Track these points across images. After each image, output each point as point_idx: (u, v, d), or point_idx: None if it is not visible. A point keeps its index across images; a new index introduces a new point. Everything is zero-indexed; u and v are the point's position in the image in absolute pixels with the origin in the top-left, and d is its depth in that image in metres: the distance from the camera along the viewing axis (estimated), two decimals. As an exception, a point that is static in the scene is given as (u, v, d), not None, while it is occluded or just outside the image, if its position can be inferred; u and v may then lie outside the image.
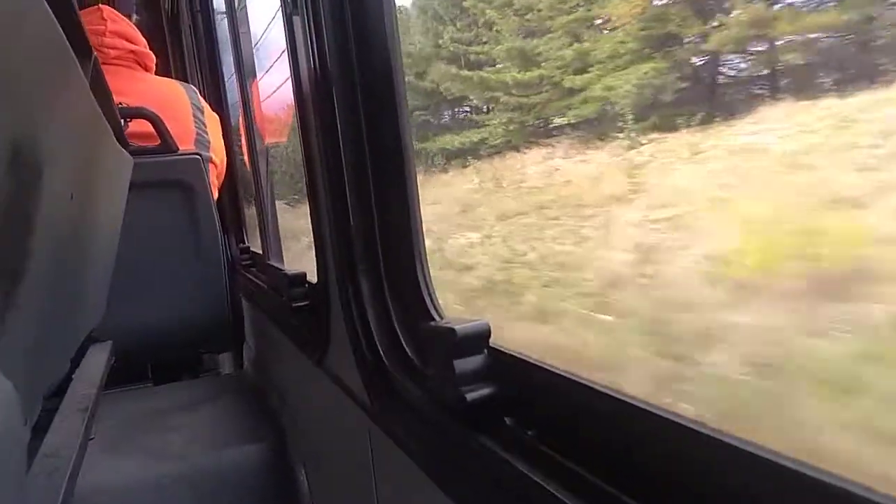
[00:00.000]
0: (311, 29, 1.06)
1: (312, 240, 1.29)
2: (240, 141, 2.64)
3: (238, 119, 2.55)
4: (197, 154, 2.32)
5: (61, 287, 0.91)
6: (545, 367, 0.68)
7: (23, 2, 0.49)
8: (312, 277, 1.46)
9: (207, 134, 2.46)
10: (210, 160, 2.46)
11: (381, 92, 0.98)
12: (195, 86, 2.96)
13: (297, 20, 1.13)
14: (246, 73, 2.29)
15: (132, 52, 2.39)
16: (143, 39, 2.47)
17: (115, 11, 2.38)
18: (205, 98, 2.66)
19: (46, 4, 0.54)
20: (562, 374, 0.66)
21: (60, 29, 0.61)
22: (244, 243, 2.72)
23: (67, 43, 0.65)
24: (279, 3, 1.18)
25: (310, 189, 1.24)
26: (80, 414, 1.21)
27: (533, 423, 0.68)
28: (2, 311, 0.56)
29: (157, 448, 1.73)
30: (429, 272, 0.96)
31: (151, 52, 2.49)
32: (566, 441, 0.64)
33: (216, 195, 2.52)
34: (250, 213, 2.72)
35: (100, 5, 2.33)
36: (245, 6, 2.37)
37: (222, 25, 2.69)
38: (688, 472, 0.52)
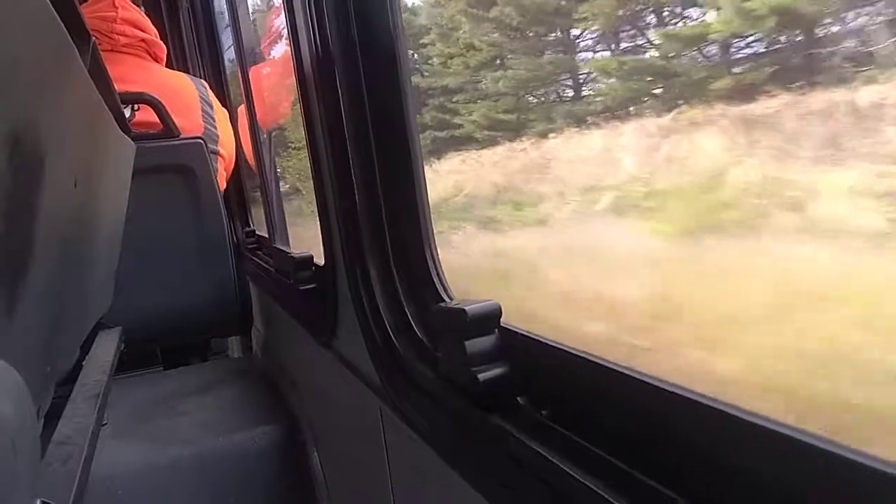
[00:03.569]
0: (311, 11, 1.04)
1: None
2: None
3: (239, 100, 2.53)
4: (199, 138, 2.31)
5: (69, 275, 0.91)
6: (557, 346, 0.68)
7: None
8: (318, 260, 1.45)
9: (216, 129, 2.46)
10: (218, 153, 2.46)
11: (384, 70, 0.97)
12: (195, 71, 2.95)
13: (297, 2, 1.11)
14: (246, 57, 2.27)
15: (143, 40, 2.37)
16: (154, 29, 2.45)
17: None
18: (204, 79, 2.64)
19: None
20: (574, 352, 0.65)
21: (57, 16, 0.60)
22: (249, 227, 2.72)
23: (65, 29, 0.64)
24: (278, -17, 1.16)
25: (314, 170, 1.23)
26: (92, 400, 1.22)
27: (546, 403, 0.68)
28: (10, 301, 0.56)
29: (169, 433, 1.75)
30: (437, 252, 0.96)
31: (163, 43, 2.47)
32: (580, 420, 0.63)
33: (224, 186, 2.51)
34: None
35: None
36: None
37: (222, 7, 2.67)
38: (704, 450, 0.51)
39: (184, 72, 2.84)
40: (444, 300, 0.92)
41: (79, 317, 1.13)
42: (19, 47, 0.50)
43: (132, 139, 1.39)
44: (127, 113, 2.10)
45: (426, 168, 1.01)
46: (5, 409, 0.41)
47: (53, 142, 0.64)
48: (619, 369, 0.60)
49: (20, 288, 0.59)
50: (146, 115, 2.21)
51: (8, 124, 0.49)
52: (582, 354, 0.64)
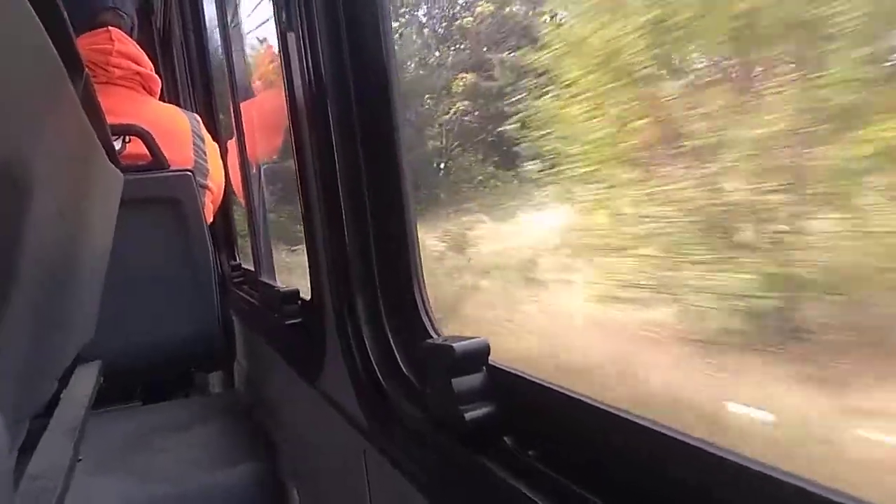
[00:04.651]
0: (305, 46, 1.05)
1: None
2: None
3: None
4: (188, 171, 2.31)
5: (50, 307, 0.90)
6: (545, 384, 0.67)
7: (15, 18, 0.48)
8: (304, 295, 1.44)
9: (207, 162, 2.47)
10: (207, 187, 2.46)
11: (376, 108, 0.98)
12: (186, 103, 2.96)
13: (291, 37, 1.12)
14: (238, 92, 2.28)
15: (137, 73, 2.39)
16: (150, 63, 2.47)
17: (122, 33, 2.38)
18: (196, 113, 2.65)
19: (39, 21, 0.54)
20: (562, 391, 0.65)
21: (53, 46, 0.60)
22: (235, 260, 2.71)
23: (60, 60, 0.64)
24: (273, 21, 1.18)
25: (304, 205, 1.23)
26: (68, 435, 1.19)
27: (533, 443, 0.67)
28: None
29: (147, 469, 1.70)
30: (425, 289, 0.95)
31: (157, 77, 2.49)
32: (567, 460, 0.63)
33: (210, 219, 2.51)
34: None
35: (108, 27, 2.33)
36: (238, 24, 2.38)
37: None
38: (694, 492, 0.51)
39: (175, 104, 2.85)
40: (431, 336, 0.92)
41: (59, 349, 1.11)
42: (13, 75, 0.50)
43: (121, 170, 1.39)
44: (118, 145, 2.10)
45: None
46: None
47: (42, 171, 0.63)
48: (608, 409, 0.59)
49: (3, 320, 0.58)
50: (137, 147, 2.22)
51: (1, 158, 0.48)
52: (570, 394, 0.64)
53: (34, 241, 0.65)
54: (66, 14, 0.67)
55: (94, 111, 0.96)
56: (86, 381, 1.53)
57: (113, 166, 1.26)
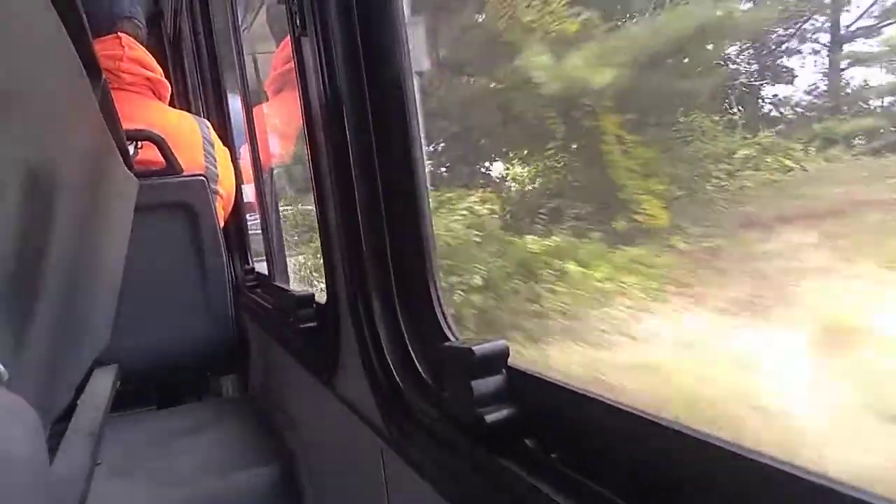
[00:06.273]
0: (320, 51, 1.06)
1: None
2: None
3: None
4: (201, 176, 2.32)
5: (69, 312, 0.91)
6: (567, 386, 0.67)
7: (41, 25, 0.49)
8: (318, 298, 1.45)
9: (217, 168, 2.47)
10: (217, 193, 2.47)
11: (392, 112, 0.98)
12: (197, 109, 2.98)
13: (305, 42, 1.13)
14: (250, 96, 2.29)
15: (148, 79, 2.40)
16: (160, 68, 2.48)
17: (132, 39, 2.39)
18: (207, 118, 2.67)
19: (63, 27, 0.54)
20: (584, 393, 0.65)
21: (75, 52, 0.61)
22: (249, 264, 2.71)
23: (82, 66, 0.65)
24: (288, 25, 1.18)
25: (319, 208, 1.23)
26: (87, 439, 1.20)
27: (555, 445, 0.67)
28: (20, 337, 0.55)
29: (164, 473, 1.71)
30: (441, 291, 0.95)
31: (167, 82, 2.50)
32: (590, 463, 0.62)
33: (222, 224, 2.52)
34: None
35: (118, 33, 2.34)
36: (249, 28, 2.39)
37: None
38: (720, 493, 0.50)
39: (185, 110, 2.87)
40: (448, 339, 0.91)
41: (77, 352, 1.12)
42: (39, 82, 0.50)
43: (135, 175, 1.40)
44: (131, 150, 2.11)
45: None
46: (22, 449, 0.40)
47: (64, 177, 0.64)
48: (632, 411, 0.59)
49: (28, 325, 0.58)
50: (148, 153, 2.23)
51: (25, 158, 0.49)
52: (593, 395, 0.64)
53: (56, 245, 0.65)
54: (86, 20, 0.67)
55: (110, 116, 0.97)
56: (103, 384, 1.54)
57: (129, 172, 1.27)
